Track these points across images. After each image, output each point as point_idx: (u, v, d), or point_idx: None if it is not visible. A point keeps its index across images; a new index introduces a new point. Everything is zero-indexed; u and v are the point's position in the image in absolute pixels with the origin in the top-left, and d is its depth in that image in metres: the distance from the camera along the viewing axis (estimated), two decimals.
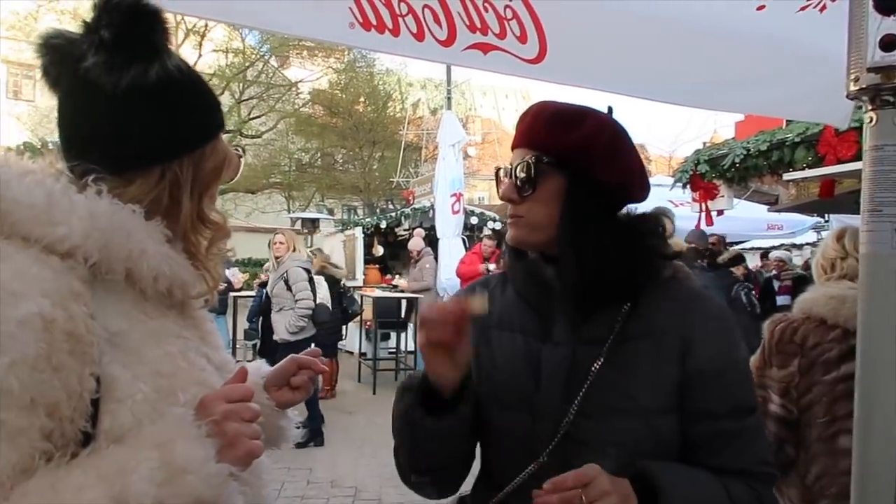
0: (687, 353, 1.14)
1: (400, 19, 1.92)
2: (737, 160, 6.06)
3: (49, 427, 0.79)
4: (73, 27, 0.99)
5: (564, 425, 1.12)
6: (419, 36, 1.95)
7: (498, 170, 1.29)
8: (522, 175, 1.19)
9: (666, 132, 47.96)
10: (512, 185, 1.20)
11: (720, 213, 7.07)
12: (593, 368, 1.13)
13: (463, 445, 1.23)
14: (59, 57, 0.97)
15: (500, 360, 1.24)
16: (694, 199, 7.09)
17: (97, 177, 0.92)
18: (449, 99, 15.28)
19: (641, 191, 1.25)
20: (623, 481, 1.03)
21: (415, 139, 23.71)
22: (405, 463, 1.28)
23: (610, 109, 1.26)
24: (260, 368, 1.27)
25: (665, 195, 7.80)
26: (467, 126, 17.47)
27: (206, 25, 20.82)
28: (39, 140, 9.69)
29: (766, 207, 10.39)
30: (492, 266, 9.42)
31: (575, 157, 1.17)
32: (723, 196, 6.83)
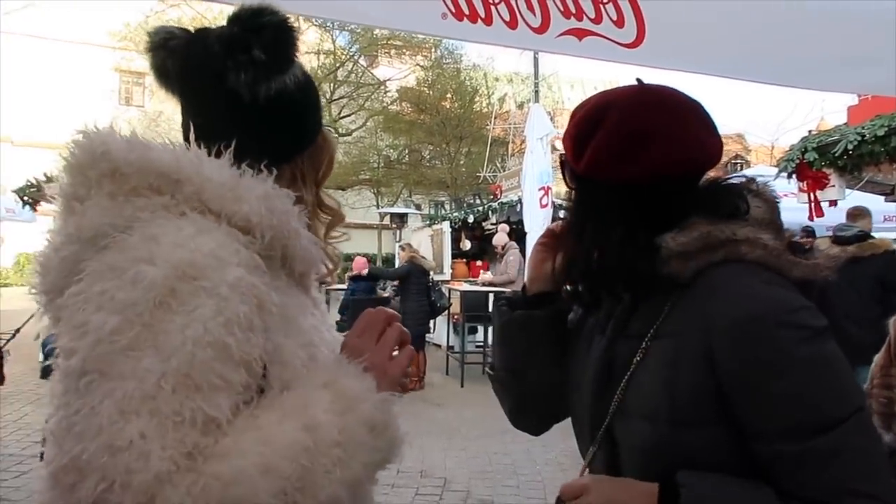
0: (710, 358, 0.96)
1: (492, 7, 1.90)
2: (850, 147, 5.65)
3: (246, 381, 0.86)
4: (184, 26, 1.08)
5: (601, 420, 1.09)
6: (512, 24, 1.92)
7: None
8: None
9: (767, 120, 45.30)
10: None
11: (833, 203, 6.57)
12: (631, 366, 1.06)
13: (537, 349, 1.25)
14: (179, 59, 1.04)
15: (575, 341, 1.24)
16: (801, 189, 6.65)
17: (265, 165, 0.99)
18: (536, 92, 15.09)
19: (628, 166, 1.07)
20: (642, 484, 0.98)
21: (501, 134, 23.61)
22: (493, 358, 1.36)
23: (638, 81, 1.16)
24: None
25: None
26: (555, 119, 17.16)
27: (300, 28, 21.55)
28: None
29: (882, 198, 9.63)
30: None
31: (588, 171, 1.11)
32: (833, 186, 6.36)
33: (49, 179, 7.85)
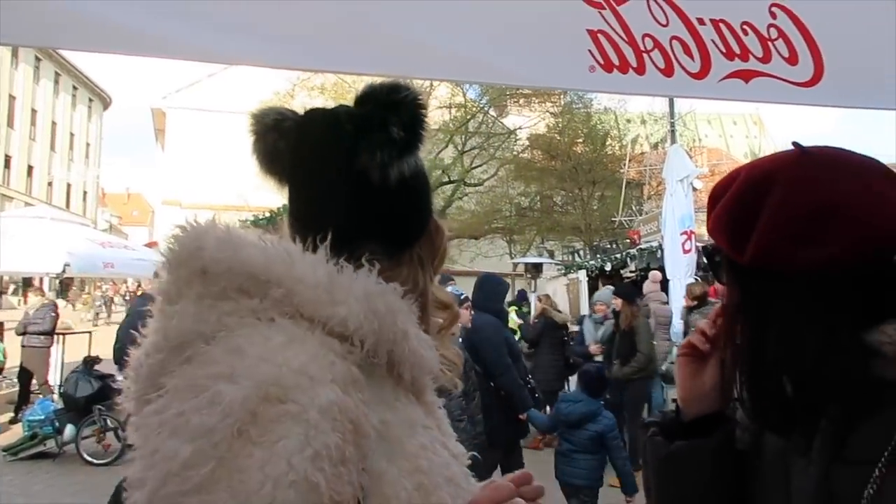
0: None
1: (645, 56, 1.75)
2: None
3: None
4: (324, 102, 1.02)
5: None
6: (667, 71, 1.76)
7: None
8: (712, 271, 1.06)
9: None
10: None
11: None
12: (864, 500, 0.82)
13: (711, 491, 1.01)
14: (295, 140, 0.99)
15: (754, 470, 1.00)
16: None
17: (371, 258, 0.90)
18: (673, 132, 14.53)
19: (809, 249, 0.87)
20: None
21: (636, 176, 22.93)
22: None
23: (795, 145, 0.94)
24: None
25: None
26: (693, 158, 16.37)
27: (432, 84, 22.44)
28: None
29: None
30: None
31: (713, 237, 0.98)
32: None
33: None
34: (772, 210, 0.88)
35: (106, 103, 49.41)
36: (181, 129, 28.90)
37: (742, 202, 0.92)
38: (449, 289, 4.50)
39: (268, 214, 10.26)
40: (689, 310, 7.67)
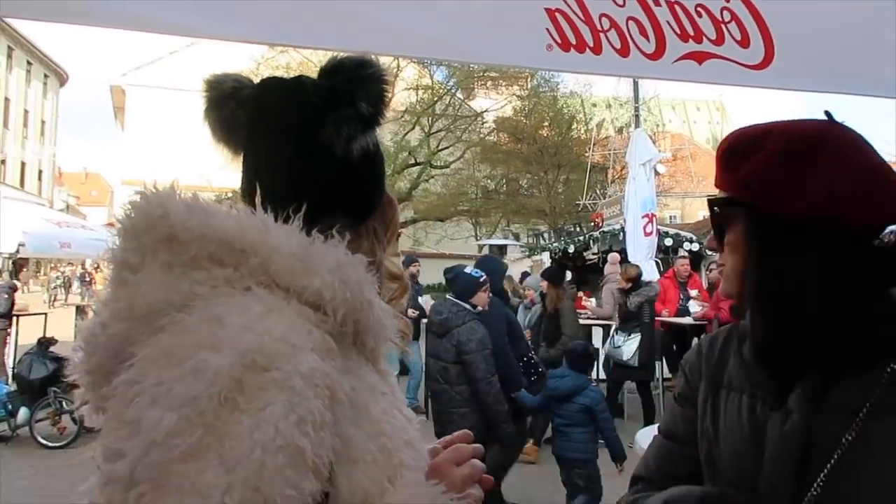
0: None
1: (601, 35, 1.77)
2: None
3: (313, 488, 0.75)
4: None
5: None
6: (623, 51, 1.79)
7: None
8: (713, 221, 1.06)
9: None
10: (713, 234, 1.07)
11: None
12: (840, 448, 0.88)
13: None
14: (255, 110, 0.98)
15: (724, 427, 1.04)
16: None
17: (339, 228, 0.91)
18: (637, 117, 14.69)
19: (868, 210, 0.91)
20: None
21: (601, 160, 23.14)
22: None
23: (828, 115, 0.98)
24: None
25: None
26: (656, 143, 16.60)
27: (399, 65, 22.24)
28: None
29: None
30: (693, 293, 8.76)
31: (748, 192, 0.97)
32: None
33: None
34: (831, 167, 0.90)
35: (62, 79, 47.72)
36: (142, 108, 28.15)
37: (793, 157, 0.93)
38: (467, 270, 4.62)
39: (230, 195, 10.11)
40: (624, 292, 7.69)
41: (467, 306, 4.54)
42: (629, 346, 7.32)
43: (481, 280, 4.59)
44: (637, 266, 8.17)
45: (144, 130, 27.29)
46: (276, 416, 0.71)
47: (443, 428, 4.41)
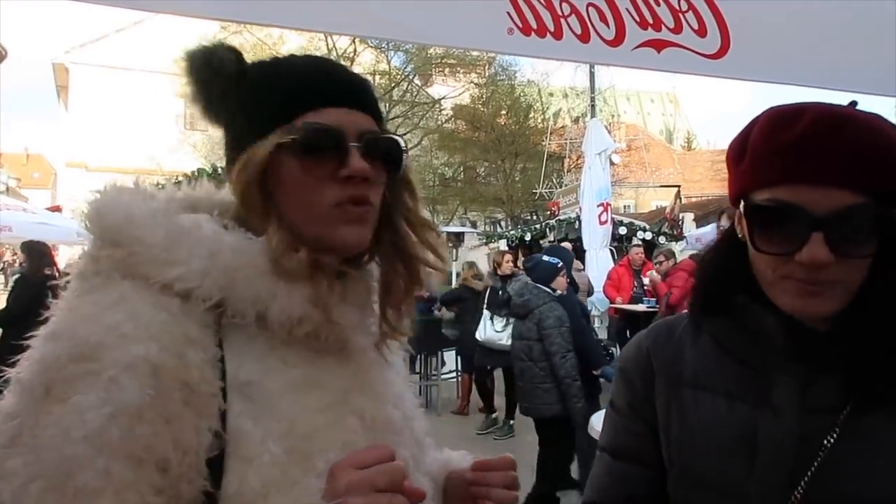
0: None
1: (562, 21, 1.76)
2: None
3: (161, 484, 0.73)
4: None
5: None
6: (584, 37, 1.78)
7: (766, 213, 0.90)
8: (848, 229, 0.85)
9: None
10: (823, 241, 0.84)
11: None
12: (824, 446, 0.87)
13: None
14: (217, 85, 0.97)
15: (698, 429, 0.98)
16: None
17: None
18: (593, 106, 14.87)
19: None
20: None
21: (557, 149, 23.37)
22: None
23: (853, 105, 0.95)
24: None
25: None
26: (612, 133, 16.84)
27: (356, 51, 21.92)
28: (211, 166, 10.58)
29: None
30: (645, 280, 8.93)
31: None
32: None
33: None
34: None
35: (1, 56, 45.68)
36: (86, 87, 26.97)
37: (885, 136, 0.86)
38: (545, 258, 5.02)
39: (181, 179, 9.85)
40: (503, 278, 7.40)
41: (547, 290, 4.94)
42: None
43: (559, 266, 5.01)
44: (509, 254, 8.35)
45: (89, 110, 26.18)
46: (85, 407, 0.70)
47: (529, 403, 4.89)
